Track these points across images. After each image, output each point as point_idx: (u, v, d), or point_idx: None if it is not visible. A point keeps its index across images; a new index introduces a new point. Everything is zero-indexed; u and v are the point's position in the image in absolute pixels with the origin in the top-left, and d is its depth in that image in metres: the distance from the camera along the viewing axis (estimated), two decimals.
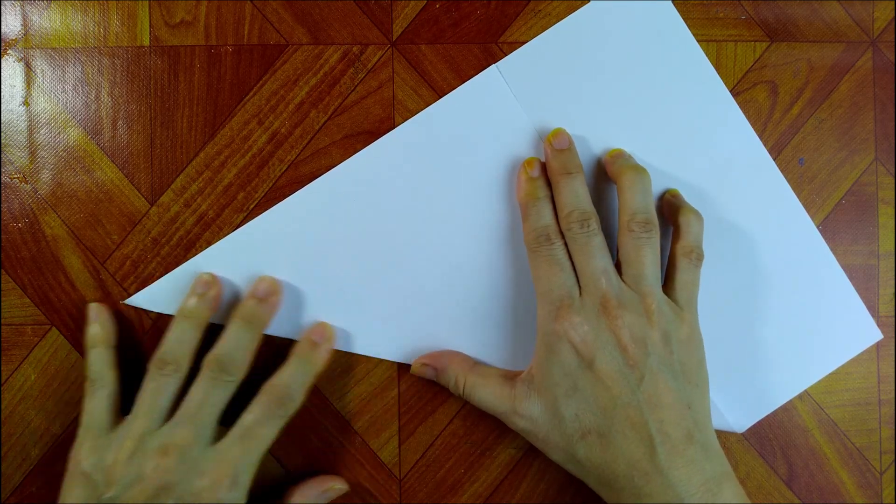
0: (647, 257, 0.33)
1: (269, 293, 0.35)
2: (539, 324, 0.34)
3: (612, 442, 0.32)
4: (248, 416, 0.32)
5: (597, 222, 0.34)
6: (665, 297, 0.34)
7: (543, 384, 0.33)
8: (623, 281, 0.33)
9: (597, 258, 0.33)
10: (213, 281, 0.35)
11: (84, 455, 0.32)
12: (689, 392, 0.33)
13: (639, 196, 0.34)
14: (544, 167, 0.36)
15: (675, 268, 0.35)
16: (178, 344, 0.33)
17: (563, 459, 0.33)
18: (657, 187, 0.37)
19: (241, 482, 0.31)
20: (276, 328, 0.36)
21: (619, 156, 0.36)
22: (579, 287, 0.33)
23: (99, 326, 0.35)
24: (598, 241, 0.34)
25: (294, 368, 0.34)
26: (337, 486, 0.36)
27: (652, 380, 0.32)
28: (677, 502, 0.31)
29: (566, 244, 0.34)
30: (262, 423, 0.32)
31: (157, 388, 0.32)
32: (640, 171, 0.35)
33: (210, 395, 0.32)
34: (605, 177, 0.37)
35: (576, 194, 0.34)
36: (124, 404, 0.34)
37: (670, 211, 0.36)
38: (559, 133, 0.35)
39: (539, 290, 0.34)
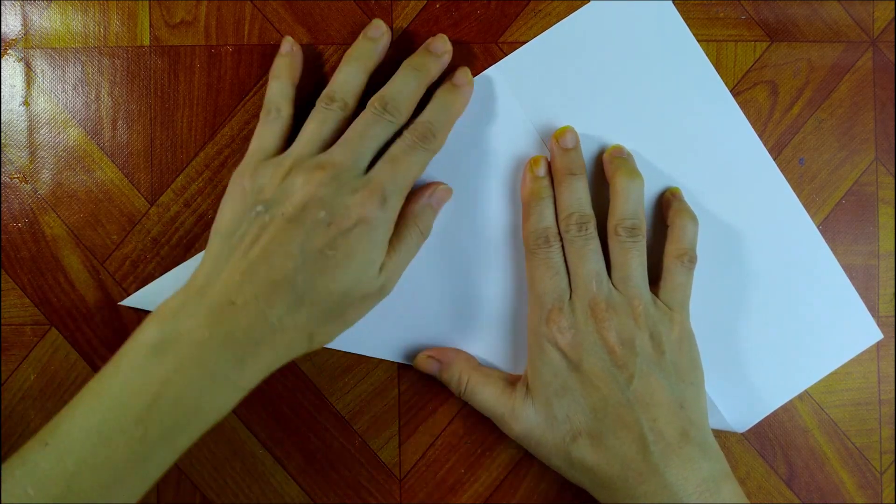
0: (633, 261, 0.34)
1: (442, 51, 0.35)
2: (530, 326, 0.35)
3: (604, 443, 0.32)
4: (396, 146, 0.33)
5: (594, 226, 0.34)
6: (654, 298, 0.34)
7: (535, 386, 0.34)
8: (613, 284, 0.34)
9: (591, 262, 0.34)
10: (385, 28, 0.35)
11: (247, 174, 0.32)
12: (683, 391, 0.33)
13: (629, 201, 0.34)
14: (550, 167, 0.36)
15: (667, 270, 0.35)
16: (345, 83, 0.33)
17: (558, 464, 0.34)
18: (657, 187, 0.37)
19: (390, 203, 0.31)
20: None
21: (617, 154, 0.36)
22: (571, 290, 0.34)
23: (288, 59, 0.35)
24: (594, 244, 0.34)
25: (436, 108, 0.34)
26: (441, 186, 0.35)
27: (642, 380, 0.32)
28: (674, 503, 0.31)
29: (563, 247, 0.34)
30: (408, 152, 0.32)
31: (322, 119, 0.33)
32: (632, 175, 0.35)
33: (371, 128, 0.32)
34: (605, 176, 0.37)
35: (577, 196, 0.35)
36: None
37: (667, 211, 0.36)
38: (566, 131, 0.36)
39: (533, 292, 0.35)
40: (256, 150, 0.33)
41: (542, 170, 0.36)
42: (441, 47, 0.35)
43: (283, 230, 0.30)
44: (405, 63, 0.34)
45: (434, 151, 0.33)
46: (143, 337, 0.29)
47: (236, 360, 0.29)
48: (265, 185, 0.31)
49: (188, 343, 0.28)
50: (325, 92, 0.34)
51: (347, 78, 0.34)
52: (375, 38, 0.35)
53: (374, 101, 0.33)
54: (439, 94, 0.34)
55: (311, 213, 0.30)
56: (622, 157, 0.36)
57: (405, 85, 0.33)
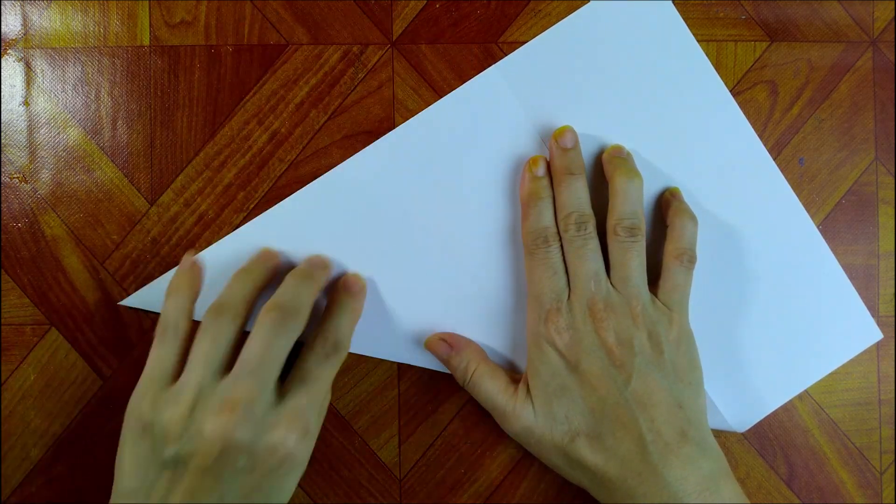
0: (632, 261, 0.34)
1: (323, 265, 0.34)
2: (528, 326, 0.35)
3: (602, 443, 0.32)
4: (310, 362, 0.32)
5: (593, 225, 0.34)
6: (652, 298, 0.34)
7: (534, 385, 0.34)
8: (611, 283, 0.34)
9: (590, 261, 0.34)
10: (276, 253, 0.35)
11: (147, 406, 0.29)
12: (681, 391, 0.33)
13: (628, 201, 0.34)
14: (549, 166, 0.36)
15: (667, 270, 0.35)
16: (237, 293, 0.32)
17: (558, 463, 0.34)
18: (657, 187, 0.37)
19: (312, 431, 0.31)
20: None
21: (616, 154, 0.36)
22: (569, 290, 0.34)
23: (185, 275, 0.33)
24: (593, 244, 0.34)
25: (337, 317, 0.33)
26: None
27: (640, 379, 0.32)
28: (674, 502, 0.31)
29: (563, 246, 0.34)
30: (320, 366, 0.32)
31: (214, 335, 0.30)
32: (631, 174, 0.35)
33: (273, 342, 0.30)
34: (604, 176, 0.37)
35: (576, 196, 0.34)
36: None
37: (667, 211, 0.36)
38: (565, 131, 0.35)
39: (531, 292, 0.35)
40: (153, 377, 0.30)
41: (540, 170, 0.35)
42: (320, 262, 0.35)
43: (199, 485, 0.28)
44: (292, 272, 0.33)
45: (341, 363, 0.33)
46: None
47: None
48: (169, 425, 0.29)
49: None
50: (212, 305, 0.31)
51: (240, 287, 0.32)
52: (266, 259, 0.34)
53: (269, 310, 0.31)
54: (337, 300, 0.34)
55: (230, 461, 0.28)
56: (621, 156, 0.36)
57: (298, 288, 0.32)
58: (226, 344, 0.31)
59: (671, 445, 0.31)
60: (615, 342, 0.33)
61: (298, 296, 0.32)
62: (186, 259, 0.34)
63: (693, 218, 0.35)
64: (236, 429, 0.28)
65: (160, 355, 0.31)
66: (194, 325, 0.32)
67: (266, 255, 0.35)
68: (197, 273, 0.34)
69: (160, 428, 0.29)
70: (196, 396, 0.29)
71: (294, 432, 0.29)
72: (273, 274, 0.34)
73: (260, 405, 0.29)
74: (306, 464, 0.31)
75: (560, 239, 0.34)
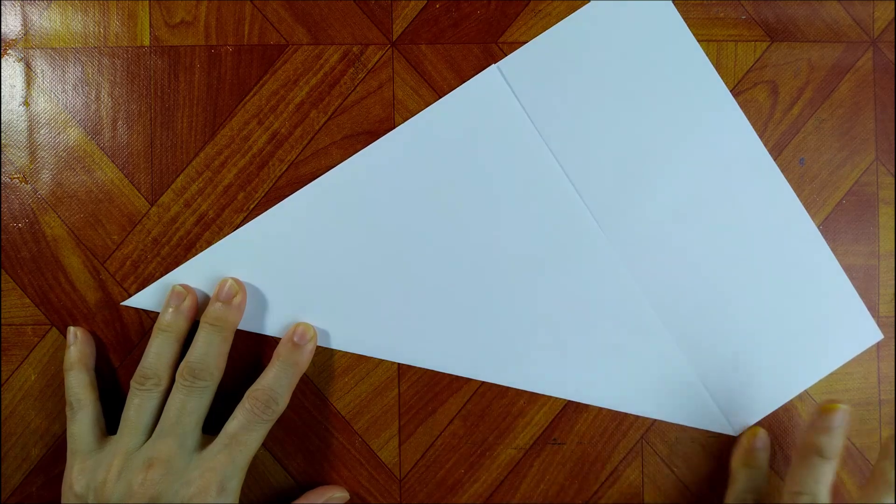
0: None
1: (232, 294, 0.35)
2: None
3: None
4: (233, 423, 0.33)
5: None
6: None
7: None
8: None
9: None
10: (186, 292, 0.35)
11: (75, 478, 0.32)
12: None
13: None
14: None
15: None
16: (156, 358, 0.34)
17: None
18: (657, 188, 0.37)
19: (229, 488, 0.32)
20: (279, 330, 0.36)
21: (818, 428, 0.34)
22: None
23: (76, 349, 0.35)
24: None
25: (277, 371, 0.34)
26: (337, 494, 0.36)
27: None
28: None
29: None
30: (246, 429, 0.33)
31: (139, 403, 0.33)
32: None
33: (186, 403, 0.33)
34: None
35: (817, 480, 0.33)
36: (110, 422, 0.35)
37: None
38: (835, 411, 0.34)
39: None
40: (76, 451, 0.33)
41: (759, 441, 0.36)
42: (229, 292, 0.34)
43: None
44: (202, 320, 0.34)
45: (276, 418, 0.33)
46: None
47: None
48: (101, 487, 0.32)
49: None
50: (137, 371, 0.34)
51: (159, 350, 0.34)
52: (178, 307, 0.34)
53: (181, 373, 0.33)
54: (281, 353, 0.34)
55: None
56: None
57: (209, 345, 0.33)
58: (149, 410, 0.33)
59: None
60: None
61: (207, 353, 0.33)
62: (69, 334, 0.36)
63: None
64: (160, 482, 0.31)
65: (75, 432, 0.34)
66: (110, 380, 0.35)
67: (178, 300, 0.35)
68: (85, 343, 0.36)
69: (93, 493, 0.32)
70: (124, 460, 0.32)
71: (211, 489, 0.31)
72: (190, 318, 0.35)
73: (179, 460, 0.32)
74: None
75: None
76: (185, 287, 0.35)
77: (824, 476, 0.33)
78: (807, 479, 0.33)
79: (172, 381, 0.34)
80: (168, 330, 0.34)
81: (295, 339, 0.35)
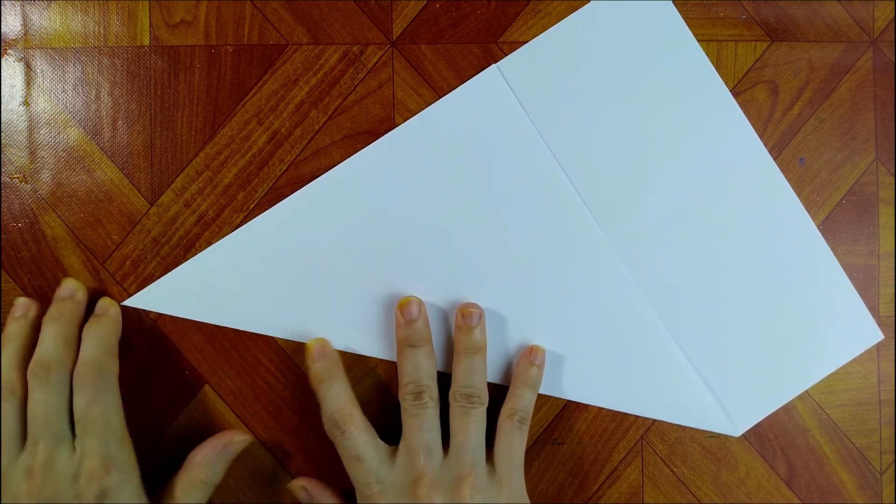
0: (470, 426, 0.34)
1: (72, 291, 0.35)
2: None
3: None
4: (77, 408, 0.32)
5: (431, 396, 0.34)
6: (485, 468, 0.34)
7: None
8: (447, 454, 0.34)
9: (423, 431, 0.33)
10: (30, 303, 0.35)
11: None
12: None
13: (470, 372, 0.35)
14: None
15: (498, 430, 0.35)
16: (6, 368, 0.33)
17: None
18: (658, 188, 0.37)
19: (116, 463, 0.31)
20: (280, 331, 0.36)
21: (466, 322, 0.35)
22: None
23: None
24: (430, 413, 0.34)
25: (89, 343, 0.33)
26: (238, 438, 0.35)
27: None
28: None
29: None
30: (90, 405, 0.32)
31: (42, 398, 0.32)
32: (475, 349, 0.35)
33: (48, 400, 0.32)
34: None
35: (416, 367, 0.34)
36: None
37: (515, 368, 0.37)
38: (410, 302, 0.35)
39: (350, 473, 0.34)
40: None
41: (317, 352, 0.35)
42: (68, 289, 0.35)
43: None
44: (44, 320, 0.34)
45: (113, 381, 0.33)
46: None
47: None
48: None
49: None
50: (32, 362, 0.32)
51: (8, 360, 0.33)
52: (24, 316, 0.34)
53: (33, 370, 0.32)
54: (87, 329, 0.34)
55: None
56: (469, 324, 0.35)
57: (53, 337, 0.33)
58: (12, 420, 0.32)
59: None
60: None
61: (53, 345, 0.33)
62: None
63: (533, 386, 0.36)
64: (44, 487, 0.31)
65: None
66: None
67: (22, 309, 0.34)
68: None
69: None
70: (3, 475, 0.31)
71: (97, 475, 0.31)
72: (35, 325, 0.34)
73: (59, 460, 0.31)
74: (140, 493, 0.32)
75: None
76: (30, 299, 0.35)
77: (425, 362, 0.34)
78: (410, 371, 0.34)
79: (26, 389, 0.33)
80: (14, 339, 0.33)
81: (96, 311, 0.35)
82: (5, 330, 0.34)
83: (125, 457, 0.32)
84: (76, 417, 0.32)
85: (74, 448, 0.32)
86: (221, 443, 0.34)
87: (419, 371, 0.34)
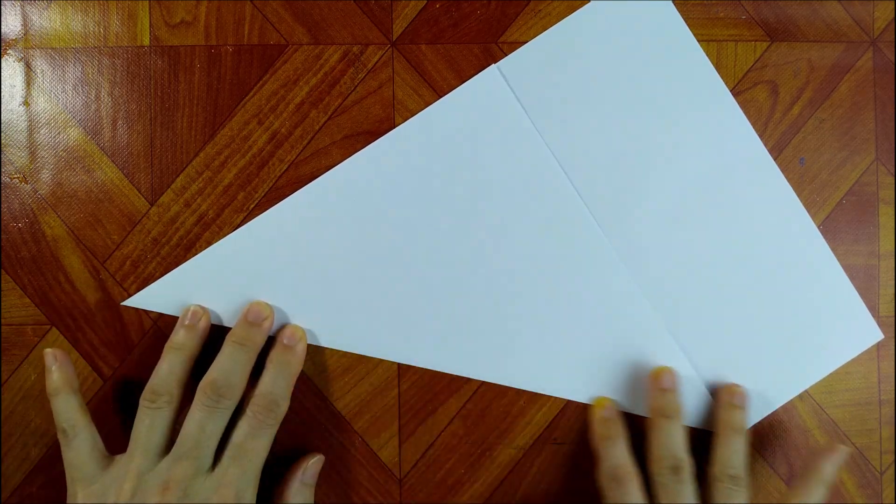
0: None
1: (262, 318, 0.35)
2: None
3: None
4: (239, 433, 0.32)
5: (689, 471, 0.34)
6: None
7: None
8: None
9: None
10: (202, 312, 0.35)
11: (85, 499, 0.31)
12: None
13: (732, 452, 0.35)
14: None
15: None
16: (168, 375, 0.33)
17: None
18: (657, 189, 0.37)
19: (245, 499, 0.32)
20: (277, 329, 0.36)
21: (729, 405, 0.36)
22: None
23: (57, 372, 0.34)
24: (689, 489, 0.33)
25: (273, 375, 0.34)
26: (310, 462, 0.35)
27: None
28: None
29: (646, 486, 0.34)
30: (253, 437, 0.32)
31: (150, 423, 0.32)
32: (738, 429, 0.35)
33: (206, 424, 0.32)
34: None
35: (672, 439, 0.34)
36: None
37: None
38: (664, 372, 0.36)
39: None
40: (77, 479, 0.32)
41: (609, 411, 0.36)
42: (259, 314, 0.34)
43: None
44: (227, 338, 0.34)
45: (279, 421, 0.33)
46: None
47: None
48: None
49: None
50: (147, 388, 0.33)
51: (171, 368, 0.33)
52: (194, 326, 0.34)
53: (204, 388, 0.32)
54: (274, 359, 0.34)
55: None
56: (733, 404, 0.36)
57: (234, 362, 0.33)
58: (161, 429, 0.32)
59: None
60: None
61: (232, 371, 0.33)
62: (49, 356, 0.34)
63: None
64: None
65: (74, 459, 0.32)
66: (100, 404, 0.34)
67: (193, 318, 0.35)
68: (65, 363, 0.34)
69: None
70: (137, 481, 0.31)
71: (229, 502, 0.31)
72: (202, 338, 0.35)
73: (196, 482, 0.31)
74: None
75: (641, 479, 0.34)
76: (200, 307, 0.35)
77: (677, 434, 0.34)
78: (664, 442, 0.34)
79: (182, 400, 0.33)
80: (181, 348, 0.34)
81: (285, 341, 0.35)
82: (172, 336, 0.34)
83: (253, 498, 0.32)
84: (231, 443, 0.32)
85: (212, 473, 0.32)
86: (300, 471, 0.35)
87: (676, 444, 0.34)
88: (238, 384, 0.33)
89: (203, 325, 0.35)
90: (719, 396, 0.36)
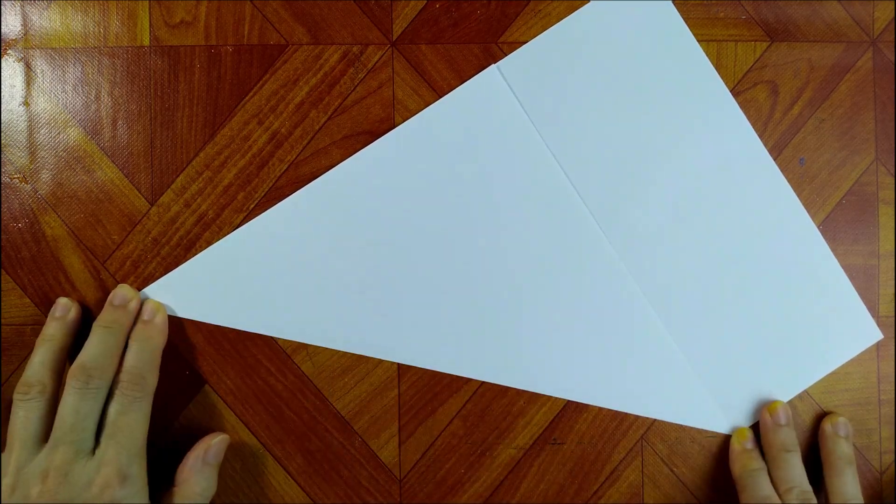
0: None
1: (127, 300, 0.35)
2: None
3: None
4: (111, 412, 0.32)
5: (811, 501, 0.35)
6: None
7: None
8: None
9: None
10: (70, 304, 0.35)
11: None
12: None
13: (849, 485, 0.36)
14: (757, 438, 0.37)
15: None
16: (39, 366, 0.33)
17: None
18: (657, 188, 0.37)
19: (131, 475, 0.32)
20: (279, 331, 0.36)
21: (835, 436, 0.37)
22: None
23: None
24: None
25: (137, 351, 0.34)
26: (214, 440, 0.35)
27: None
28: None
29: None
30: (125, 413, 0.32)
31: (24, 415, 0.32)
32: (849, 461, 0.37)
33: (80, 406, 0.32)
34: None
35: (795, 471, 0.36)
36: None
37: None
38: (779, 408, 0.37)
39: None
40: (14, 444, 0.32)
41: (749, 442, 0.37)
42: (124, 297, 0.35)
43: None
44: (95, 325, 0.34)
45: (149, 395, 0.33)
46: None
47: None
48: None
49: None
50: (20, 381, 0.33)
51: (42, 359, 0.33)
52: (63, 317, 0.35)
53: (73, 373, 0.32)
54: (135, 335, 0.34)
55: None
56: (843, 445, 0.37)
57: (103, 344, 0.33)
58: (36, 420, 0.32)
59: None
60: None
61: (102, 353, 0.33)
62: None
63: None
64: (57, 493, 0.30)
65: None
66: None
67: (63, 310, 0.35)
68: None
69: None
70: (16, 476, 0.31)
71: (112, 483, 0.31)
72: (73, 329, 0.35)
73: (77, 466, 0.31)
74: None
75: None
76: (70, 300, 0.35)
77: (799, 465, 0.36)
78: (789, 474, 0.36)
79: (57, 391, 0.33)
80: (51, 339, 0.34)
81: (144, 317, 0.35)
82: (43, 329, 0.34)
83: (140, 471, 0.32)
84: (105, 423, 0.32)
85: (93, 455, 0.32)
86: (202, 450, 0.35)
87: (800, 475, 0.36)
88: (108, 365, 0.33)
89: (72, 316, 0.35)
90: (822, 428, 0.37)
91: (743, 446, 0.37)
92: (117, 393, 0.33)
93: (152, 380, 0.34)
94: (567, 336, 0.37)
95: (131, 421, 0.32)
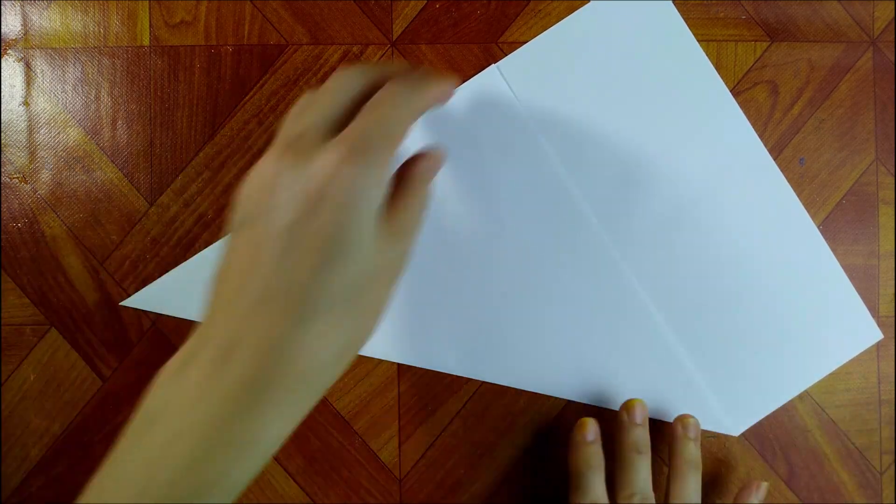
0: None
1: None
2: None
3: None
4: (380, 92, 0.26)
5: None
6: None
7: None
8: None
9: None
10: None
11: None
12: None
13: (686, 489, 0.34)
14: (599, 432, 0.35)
15: None
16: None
17: None
18: (657, 188, 0.37)
19: (375, 155, 0.25)
20: None
21: (684, 437, 0.35)
22: None
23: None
24: None
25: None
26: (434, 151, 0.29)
27: None
28: None
29: None
30: (396, 96, 0.25)
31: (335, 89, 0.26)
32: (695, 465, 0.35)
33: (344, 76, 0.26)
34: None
35: (641, 475, 0.34)
36: None
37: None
38: (636, 405, 0.35)
39: None
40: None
41: (590, 434, 0.35)
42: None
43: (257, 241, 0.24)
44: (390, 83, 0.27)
45: (434, 97, 0.27)
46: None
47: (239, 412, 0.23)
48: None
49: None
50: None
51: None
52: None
53: (396, 81, 0.26)
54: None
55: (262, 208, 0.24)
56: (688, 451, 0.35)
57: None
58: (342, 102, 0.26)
59: None
60: None
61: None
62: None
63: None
64: (280, 166, 0.24)
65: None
66: None
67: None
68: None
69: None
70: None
71: (344, 158, 0.24)
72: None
73: (310, 136, 0.24)
74: (377, 208, 0.25)
75: None
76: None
77: (646, 470, 0.34)
78: (633, 478, 0.34)
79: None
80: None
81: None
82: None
83: (382, 167, 0.25)
84: (368, 102, 0.26)
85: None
86: (422, 156, 0.29)
87: (644, 481, 0.34)
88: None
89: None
90: (673, 429, 0.36)
91: (584, 438, 0.34)
92: (399, 78, 0.26)
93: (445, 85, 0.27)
94: (567, 336, 0.37)
95: (401, 104, 0.26)
